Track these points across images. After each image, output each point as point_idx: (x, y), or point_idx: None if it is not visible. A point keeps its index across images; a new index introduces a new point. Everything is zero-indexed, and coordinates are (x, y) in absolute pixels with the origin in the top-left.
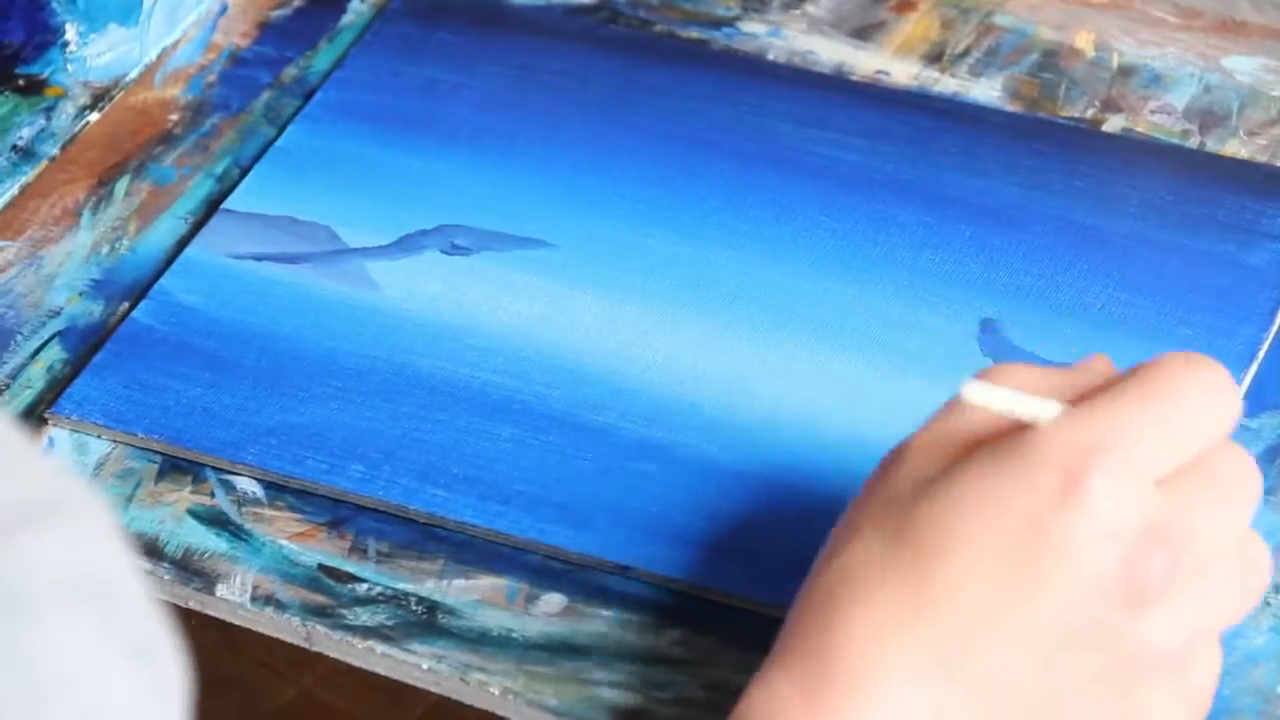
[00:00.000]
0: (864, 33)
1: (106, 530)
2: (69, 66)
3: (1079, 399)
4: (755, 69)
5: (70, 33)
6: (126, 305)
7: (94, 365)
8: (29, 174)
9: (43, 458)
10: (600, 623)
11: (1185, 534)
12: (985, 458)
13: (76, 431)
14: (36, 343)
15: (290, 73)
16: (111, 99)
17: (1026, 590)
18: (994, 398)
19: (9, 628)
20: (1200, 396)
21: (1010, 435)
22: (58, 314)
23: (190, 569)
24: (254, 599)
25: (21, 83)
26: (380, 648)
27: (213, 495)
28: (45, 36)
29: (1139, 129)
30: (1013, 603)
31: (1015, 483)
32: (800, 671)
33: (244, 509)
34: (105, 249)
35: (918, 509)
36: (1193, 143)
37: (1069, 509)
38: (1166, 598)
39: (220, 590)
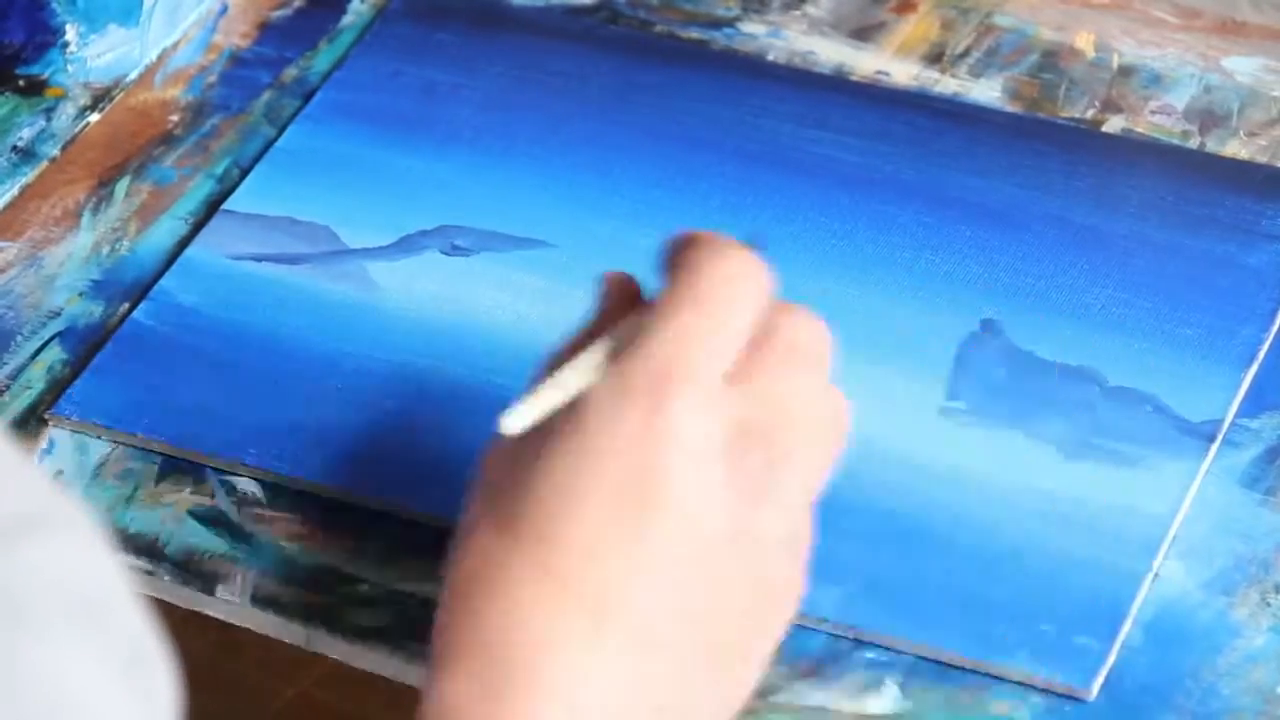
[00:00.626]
0: (864, 33)
1: (96, 540)
2: (69, 67)
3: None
4: (755, 69)
5: (70, 33)
6: (127, 306)
7: (94, 366)
8: (29, 175)
9: (32, 469)
10: None
11: (770, 423)
12: (559, 429)
13: (77, 432)
14: (37, 343)
15: (290, 73)
16: (112, 100)
17: (647, 527)
18: (538, 405)
19: (4, 637)
20: (738, 286)
21: (577, 400)
22: (58, 315)
23: (190, 569)
24: (254, 600)
25: (21, 83)
26: (380, 648)
27: (213, 496)
28: (45, 37)
29: (1139, 129)
30: (638, 543)
31: (601, 429)
32: (469, 670)
33: (244, 509)
34: (105, 250)
35: (519, 485)
36: (1193, 143)
37: (658, 441)
38: (773, 491)
39: (220, 591)
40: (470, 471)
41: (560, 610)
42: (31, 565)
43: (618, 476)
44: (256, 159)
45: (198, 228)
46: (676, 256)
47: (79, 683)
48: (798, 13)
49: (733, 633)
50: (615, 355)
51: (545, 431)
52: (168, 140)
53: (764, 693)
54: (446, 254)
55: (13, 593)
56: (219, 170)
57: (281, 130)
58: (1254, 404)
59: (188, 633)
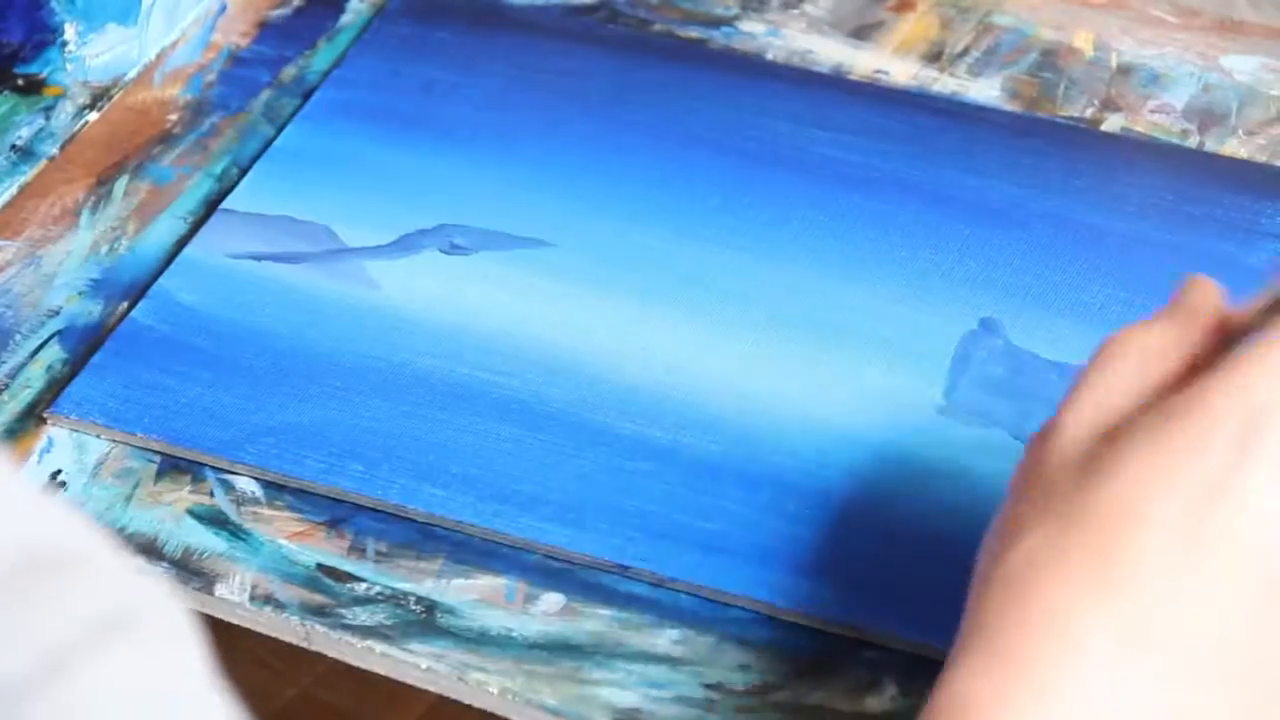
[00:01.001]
0: (863, 32)
1: (178, 632)
2: (68, 66)
3: (1209, 348)
4: (755, 69)
5: (69, 32)
6: (125, 305)
7: (93, 365)
8: (28, 174)
9: (110, 556)
10: (599, 622)
11: None
12: (1148, 425)
13: (75, 431)
14: (36, 342)
15: (289, 72)
16: (110, 99)
17: (1215, 553)
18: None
19: None
20: None
21: (1167, 399)
22: (57, 314)
23: (190, 569)
24: (253, 599)
25: (21, 82)
26: (379, 647)
27: (212, 495)
28: (44, 36)
29: (1138, 128)
30: (1200, 569)
31: (1185, 449)
32: (987, 667)
33: (243, 509)
34: (104, 249)
35: (1085, 493)
36: (1192, 142)
37: (1246, 466)
38: None
39: (219, 590)
40: (472, 470)
41: (1104, 624)
42: (116, 671)
43: (1194, 501)
44: (255, 158)
45: (197, 227)
46: None
47: None
48: (797, 12)
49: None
50: (1219, 366)
51: (1124, 438)
52: (166, 139)
53: (763, 692)
54: (446, 253)
55: (94, 705)
56: (218, 169)
57: (280, 129)
58: None
59: None
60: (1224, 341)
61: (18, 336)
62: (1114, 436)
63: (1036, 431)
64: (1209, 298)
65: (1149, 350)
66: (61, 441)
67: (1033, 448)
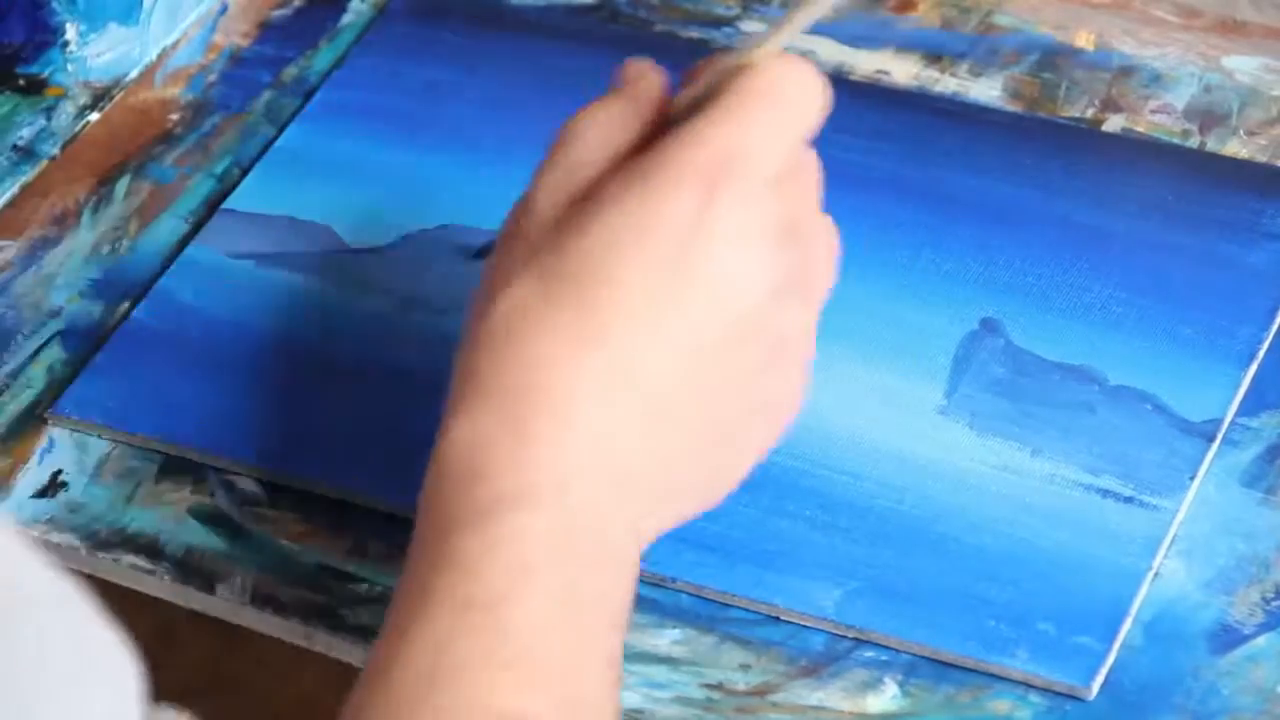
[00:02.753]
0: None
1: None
2: (69, 66)
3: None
4: None
5: (70, 33)
6: (127, 305)
7: (94, 365)
8: (29, 174)
9: None
10: None
11: (808, 228)
12: (623, 180)
13: (76, 431)
14: (37, 343)
15: (290, 72)
16: (112, 99)
17: (682, 303)
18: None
19: None
20: (802, 100)
21: (634, 160)
22: (58, 314)
23: (190, 569)
24: (254, 599)
25: (22, 83)
26: None
27: (213, 495)
28: (45, 36)
29: (1139, 129)
30: (674, 311)
31: (654, 204)
32: (496, 408)
33: (244, 509)
34: (105, 249)
35: (563, 251)
36: (1193, 142)
37: (710, 220)
38: (800, 292)
39: (221, 590)
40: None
41: (590, 366)
42: None
43: (664, 251)
44: (256, 158)
45: (198, 227)
46: (742, 66)
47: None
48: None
49: (740, 416)
50: (678, 133)
51: (593, 200)
52: (168, 139)
53: (764, 692)
54: (447, 253)
55: None
56: (219, 169)
57: (281, 129)
58: (1254, 403)
59: (187, 632)
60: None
61: (19, 337)
62: (586, 196)
63: None
64: (655, 76)
65: (610, 122)
66: (62, 442)
67: (512, 214)
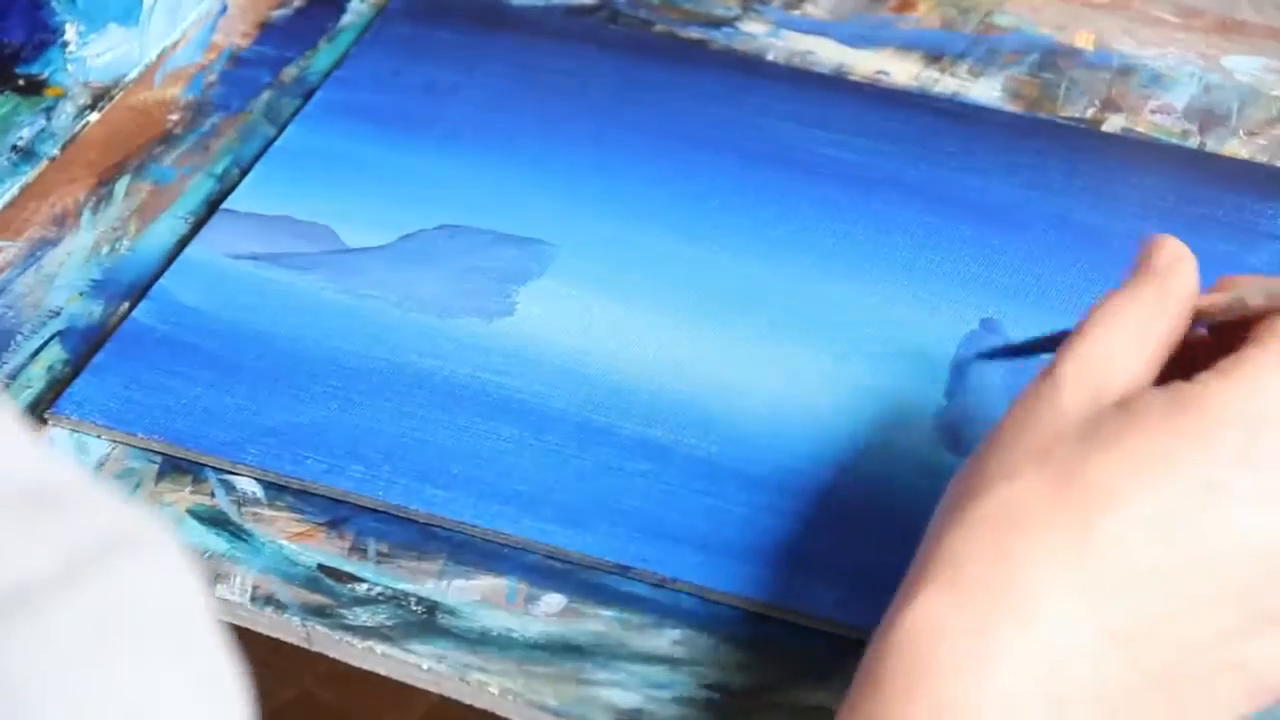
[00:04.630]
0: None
1: (179, 561)
2: (69, 66)
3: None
4: (755, 69)
5: (70, 33)
6: (126, 305)
7: (94, 365)
8: (29, 174)
9: (109, 492)
10: (600, 623)
11: None
12: (1159, 406)
13: (76, 431)
14: (37, 343)
15: (290, 72)
16: (111, 99)
17: (1195, 552)
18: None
19: (99, 657)
20: None
21: (1180, 388)
22: (58, 314)
23: None
24: (254, 599)
25: (21, 83)
26: (380, 648)
27: (213, 495)
28: (45, 36)
29: (1139, 129)
30: (1173, 544)
31: (1191, 441)
32: (965, 598)
33: (244, 509)
34: (105, 249)
35: (1085, 455)
36: (1192, 142)
37: (1246, 469)
38: None
39: (220, 590)
40: (473, 471)
41: (1079, 583)
42: (116, 585)
43: (1188, 485)
44: (256, 158)
45: (198, 227)
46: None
47: (167, 705)
48: (798, 12)
49: (1212, 670)
50: (1227, 370)
51: (1126, 412)
52: (167, 139)
53: (763, 692)
54: (447, 253)
55: (108, 612)
56: (219, 169)
57: (281, 129)
58: None
59: None
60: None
61: (19, 337)
62: (1123, 406)
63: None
64: (1189, 270)
65: (1141, 317)
66: (62, 442)
67: (1031, 394)
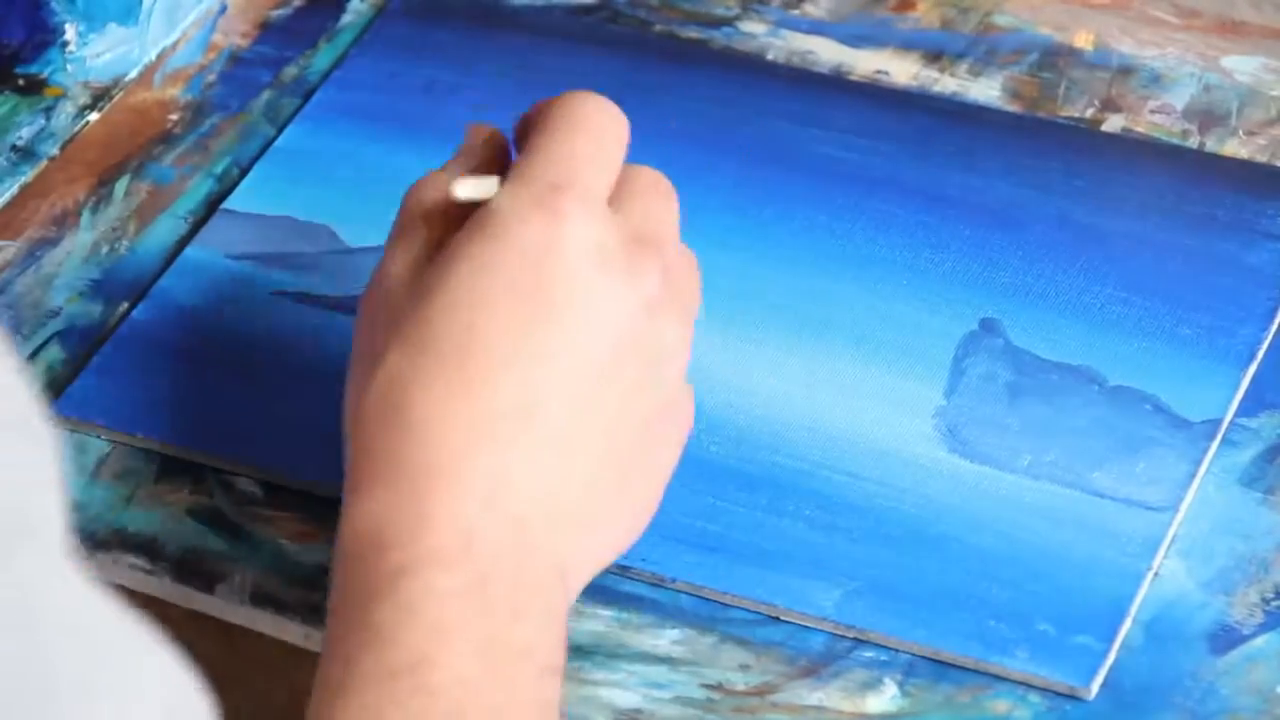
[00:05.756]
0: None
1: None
2: (69, 66)
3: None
4: (755, 69)
5: (70, 33)
6: (126, 305)
7: (93, 365)
8: (29, 174)
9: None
10: (599, 623)
11: (657, 237)
12: (465, 232)
13: (75, 432)
14: (36, 343)
15: (290, 72)
16: (111, 99)
17: (557, 332)
18: (460, 190)
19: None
20: (608, 123)
21: (476, 211)
22: (57, 314)
23: (190, 569)
24: (254, 599)
25: (21, 83)
26: None
27: (212, 495)
28: (45, 36)
29: (1139, 129)
30: (542, 340)
31: (502, 241)
32: (391, 481)
33: (244, 509)
34: (105, 249)
35: (424, 303)
36: (1192, 142)
37: (561, 248)
38: (667, 299)
39: (220, 590)
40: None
41: (478, 417)
42: None
43: (525, 284)
44: (256, 158)
45: (197, 227)
46: (546, 105)
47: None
48: (797, 12)
49: (639, 439)
50: (508, 177)
51: (442, 257)
52: (167, 139)
53: (764, 692)
54: None
55: None
56: (218, 169)
57: (281, 129)
58: (1253, 403)
59: (188, 633)
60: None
61: (18, 337)
62: (437, 257)
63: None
64: (493, 132)
65: (449, 181)
66: (62, 442)
67: (368, 288)
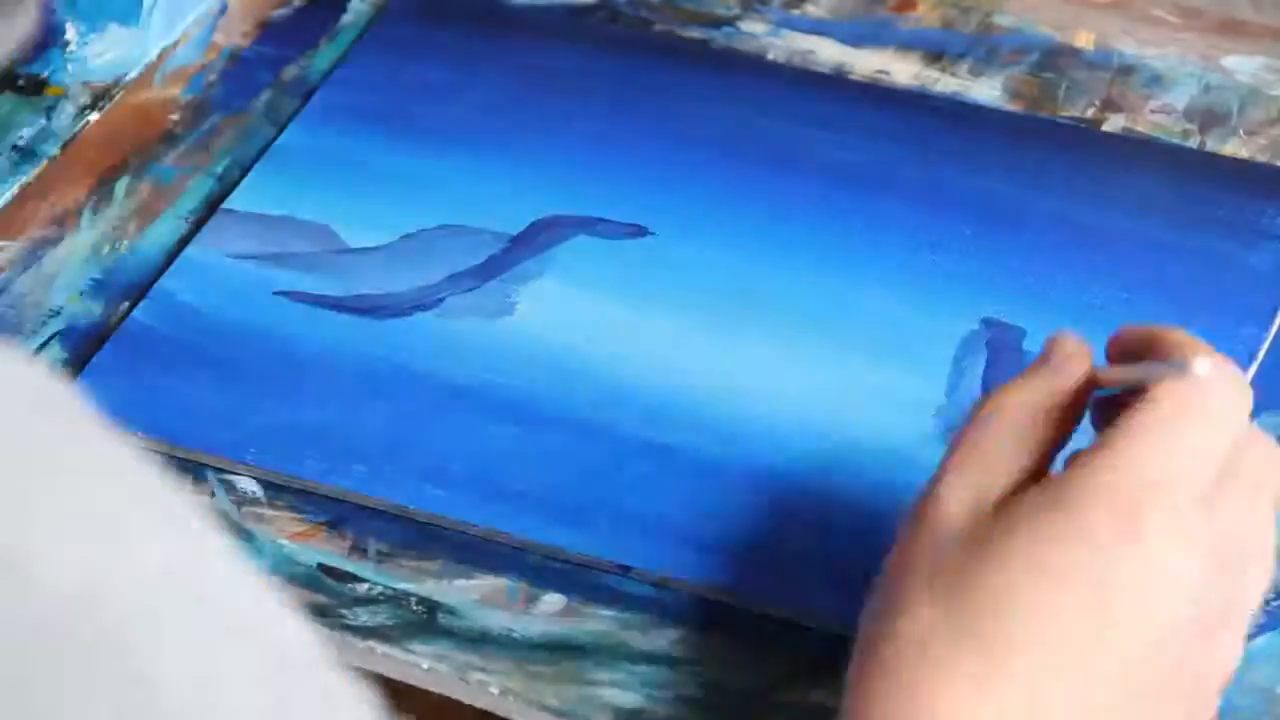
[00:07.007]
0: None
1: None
2: (69, 66)
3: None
4: (756, 69)
5: (70, 32)
6: (126, 305)
7: (94, 365)
8: (29, 174)
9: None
10: (600, 623)
11: (1238, 558)
12: (1029, 510)
13: None
14: (37, 343)
15: (290, 72)
16: (112, 99)
17: (1098, 645)
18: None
19: None
20: (1235, 412)
21: (1052, 483)
22: (58, 314)
23: None
24: None
25: (21, 83)
26: (380, 648)
27: (213, 495)
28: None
29: (1139, 129)
30: (1085, 650)
31: (1066, 542)
32: None
33: (244, 509)
34: (105, 249)
35: (975, 566)
36: (1193, 142)
37: (1133, 551)
38: (1225, 627)
39: None
40: (473, 471)
41: (994, 706)
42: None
43: (1082, 585)
44: (256, 158)
45: (198, 227)
46: (1161, 350)
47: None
48: (798, 12)
49: None
50: (1100, 455)
51: (1005, 520)
52: (168, 139)
53: (763, 692)
54: (447, 253)
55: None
56: (219, 169)
57: (281, 129)
58: (1254, 403)
59: None
60: (1092, 396)
61: (19, 337)
62: (1000, 514)
63: (917, 498)
64: (1083, 359)
65: (1029, 414)
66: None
67: (914, 516)
